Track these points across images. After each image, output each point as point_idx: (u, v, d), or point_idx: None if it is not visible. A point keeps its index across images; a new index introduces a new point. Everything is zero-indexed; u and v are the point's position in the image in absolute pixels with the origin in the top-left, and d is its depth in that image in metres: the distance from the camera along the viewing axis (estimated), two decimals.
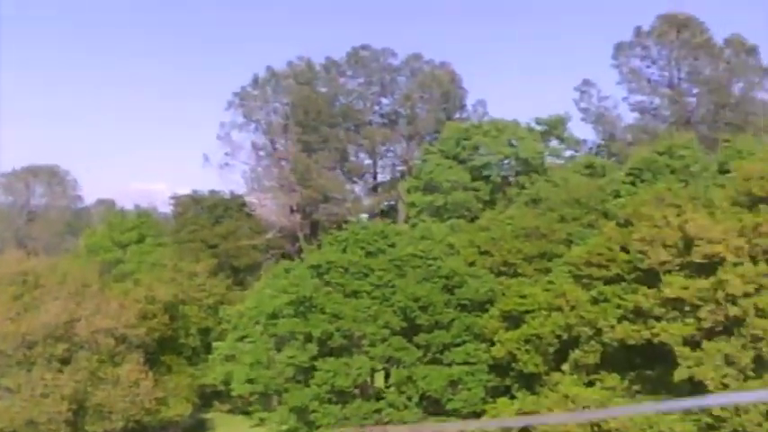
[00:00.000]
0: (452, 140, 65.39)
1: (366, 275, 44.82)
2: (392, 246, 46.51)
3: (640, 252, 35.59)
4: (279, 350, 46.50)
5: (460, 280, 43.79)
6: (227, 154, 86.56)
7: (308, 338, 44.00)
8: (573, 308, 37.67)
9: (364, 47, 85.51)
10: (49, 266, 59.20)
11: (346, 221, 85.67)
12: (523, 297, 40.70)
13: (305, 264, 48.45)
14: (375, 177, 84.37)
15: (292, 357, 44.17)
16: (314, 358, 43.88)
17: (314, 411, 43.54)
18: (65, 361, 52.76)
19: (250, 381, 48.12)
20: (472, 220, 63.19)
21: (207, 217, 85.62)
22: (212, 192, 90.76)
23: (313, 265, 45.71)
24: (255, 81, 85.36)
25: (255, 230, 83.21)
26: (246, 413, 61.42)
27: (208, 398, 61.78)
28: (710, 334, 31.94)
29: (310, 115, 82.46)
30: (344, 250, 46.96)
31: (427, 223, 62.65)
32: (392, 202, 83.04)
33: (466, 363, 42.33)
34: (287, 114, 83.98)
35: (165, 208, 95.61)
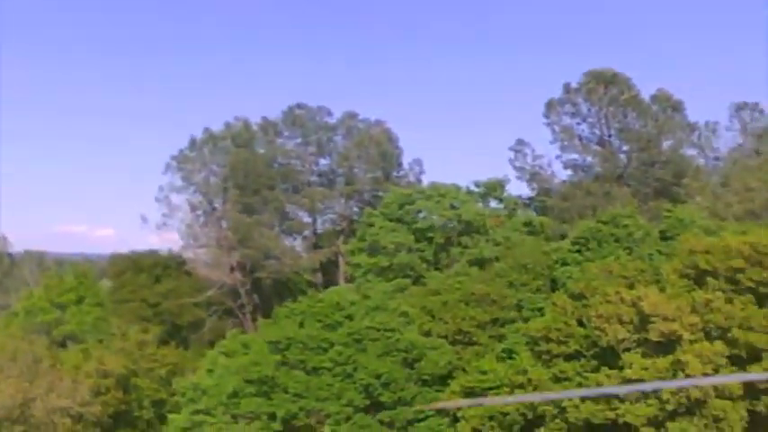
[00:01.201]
0: (395, 204, 67.00)
1: (326, 350, 45.98)
2: (349, 317, 47.74)
3: (598, 329, 37.50)
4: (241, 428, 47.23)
5: (419, 353, 45.23)
6: (164, 215, 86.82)
7: (272, 417, 44.89)
8: (536, 387, 39.35)
9: (300, 105, 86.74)
10: None
11: (288, 279, 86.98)
12: (484, 373, 42.30)
13: (261, 337, 49.23)
14: (315, 234, 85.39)
15: None
16: None
17: None
18: None
19: None
20: (417, 279, 64.85)
21: (146, 276, 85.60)
22: (151, 251, 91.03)
23: (272, 341, 46.61)
24: (193, 143, 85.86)
25: (196, 288, 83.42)
26: None
27: None
28: (674, 415, 33.92)
29: (249, 177, 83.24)
30: (302, 324, 48.05)
31: (373, 283, 64.08)
32: (332, 258, 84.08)
33: None
34: (225, 176, 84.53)
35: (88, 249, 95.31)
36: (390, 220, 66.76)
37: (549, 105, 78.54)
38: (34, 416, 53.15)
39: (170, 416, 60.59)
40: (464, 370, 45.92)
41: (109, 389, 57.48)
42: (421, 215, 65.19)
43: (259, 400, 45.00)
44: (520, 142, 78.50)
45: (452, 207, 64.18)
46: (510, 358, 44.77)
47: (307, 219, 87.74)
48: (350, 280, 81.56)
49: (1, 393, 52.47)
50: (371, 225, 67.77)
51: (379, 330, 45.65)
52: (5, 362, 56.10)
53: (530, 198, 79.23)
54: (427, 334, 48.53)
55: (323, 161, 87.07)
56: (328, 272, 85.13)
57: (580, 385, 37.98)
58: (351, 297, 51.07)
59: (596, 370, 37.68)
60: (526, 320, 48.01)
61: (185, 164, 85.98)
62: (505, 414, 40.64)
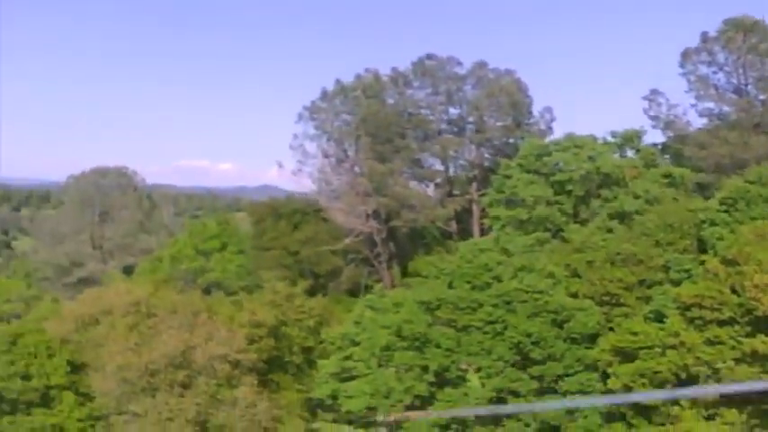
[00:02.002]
0: (532, 156, 67.62)
1: (475, 310, 47.62)
2: (497, 279, 49.13)
3: (753, 299, 37.85)
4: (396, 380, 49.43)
5: (568, 314, 46.39)
6: (299, 161, 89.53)
7: (425, 370, 46.89)
8: (689, 350, 40.12)
9: (430, 56, 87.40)
10: (159, 296, 62.70)
11: (423, 227, 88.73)
12: (634, 334, 43.25)
13: (411, 295, 51.06)
14: (448, 182, 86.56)
15: (411, 388, 47.07)
16: (432, 388, 46.91)
17: None
18: (185, 386, 56.51)
19: (370, 408, 51.04)
20: (556, 232, 65.67)
21: (285, 224, 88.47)
22: (289, 197, 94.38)
23: (423, 301, 48.45)
24: (325, 94, 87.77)
25: (333, 236, 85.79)
26: (350, 422, 65.14)
27: (311, 409, 65.17)
28: None
29: (380, 126, 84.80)
30: (451, 284, 49.76)
31: (511, 236, 65.17)
32: (466, 206, 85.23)
33: (580, 391, 45.05)
34: (357, 126, 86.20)
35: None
36: (528, 172, 67.44)
37: (685, 55, 77.30)
38: (195, 362, 56.71)
39: (319, 362, 63.80)
40: (611, 329, 46.93)
41: (261, 337, 60.64)
42: (558, 167, 65.51)
43: (411, 354, 47.04)
44: (654, 92, 77.76)
45: (590, 159, 64.38)
46: (658, 321, 45.51)
47: (439, 167, 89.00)
48: (485, 229, 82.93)
49: (165, 343, 56.21)
50: (509, 177, 68.57)
51: (527, 292, 46.94)
52: (167, 314, 59.79)
53: (663, 145, 78.53)
54: (574, 295, 49.57)
55: (453, 111, 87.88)
56: (462, 219, 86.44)
57: (733, 349, 38.64)
58: (493, 256, 52.33)
59: (751, 335, 38.11)
60: (674, 282, 48.46)
61: (318, 113, 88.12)
62: (657, 372, 41.60)
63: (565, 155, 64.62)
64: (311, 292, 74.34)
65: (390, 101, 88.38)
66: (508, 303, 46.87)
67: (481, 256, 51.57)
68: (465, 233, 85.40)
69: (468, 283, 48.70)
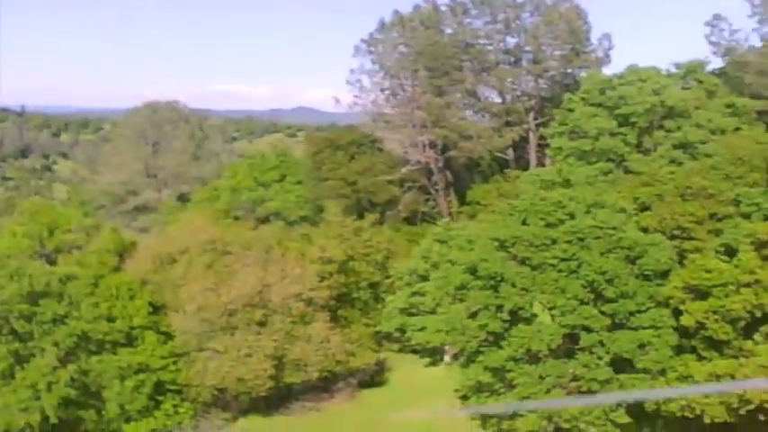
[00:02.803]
0: (596, 90, 67.87)
1: (548, 248, 48.66)
2: (570, 216, 50.00)
3: None
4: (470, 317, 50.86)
5: (641, 250, 47.27)
6: (356, 96, 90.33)
7: (500, 308, 48.24)
8: (766, 288, 41.03)
9: None
10: (233, 233, 64.47)
11: (481, 157, 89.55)
12: (708, 272, 44.15)
13: (486, 233, 52.13)
14: (506, 112, 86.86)
15: (485, 325, 48.50)
16: (506, 325, 48.28)
17: (509, 371, 48.26)
18: (262, 324, 58.90)
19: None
20: (619, 163, 66.28)
21: (342, 154, 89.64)
22: (347, 127, 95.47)
23: (497, 238, 49.51)
24: (382, 26, 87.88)
25: (389, 165, 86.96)
26: (415, 352, 67.27)
27: (378, 341, 67.22)
28: None
29: (438, 58, 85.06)
30: (524, 222, 50.72)
31: (574, 167, 65.77)
32: (523, 135, 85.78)
33: (652, 327, 46.21)
34: (414, 58, 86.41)
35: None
36: (591, 105, 67.79)
37: None
38: (271, 300, 58.79)
39: (388, 297, 65.60)
40: (681, 263, 47.86)
41: (331, 273, 62.47)
42: (623, 100, 65.72)
43: (487, 293, 48.30)
44: (717, 17, 77.22)
45: (654, 92, 64.51)
46: (729, 255, 46.37)
47: (495, 97, 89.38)
48: (540, 158, 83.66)
49: (243, 283, 58.18)
50: (572, 110, 68.97)
51: (601, 228, 47.77)
52: (241, 251, 61.61)
53: (723, 72, 78.15)
54: (644, 230, 50.42)
55: (510, 39, 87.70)
56: (518, 149, 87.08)
57: None
58: (565, 193, 53.04)
59: None
60: (744, 216, 49.16)
61: (375, 45, 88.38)
62: (730, 310, 42.61)
63: (629, 88, 64.75)
64: (380, 227, 75.81)
65: (448, 31, 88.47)
66: (582, 240, 47.75)
67: (553, 193, 52.29)
68: (521, 162, 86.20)
69: (542, 219, 49.58)
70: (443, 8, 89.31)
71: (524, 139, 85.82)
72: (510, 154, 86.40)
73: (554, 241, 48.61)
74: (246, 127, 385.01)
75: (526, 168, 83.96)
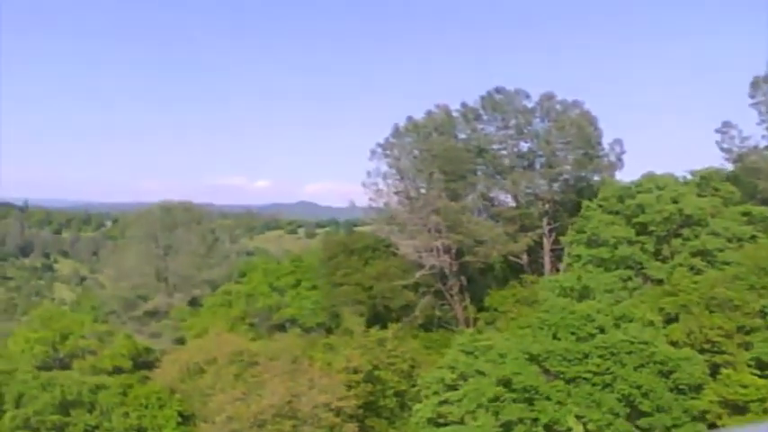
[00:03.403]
0: (614, 198, 69.21)
1: (581, 361, 49.26)
2: (601, 330, 50.73)
3: None
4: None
5: (674, 365, 47.87)
6: (371, 199, 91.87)
7: (535, 422, 48.56)
8: None
9: (498, 90, 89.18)
10: (260, 344, 65.05)
11: (496, 262, 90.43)
12: (745, 387, 44.74)
13: (517, 347, 52.65)
14: (520, 218, 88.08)
15: None
16: None
17: None
18: None
19: None
20: (638, 270, 67.14)
21: (357, 259, 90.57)
22: (361, 234, 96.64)
23: (531, 353, 50.16)
24: (397, 130, 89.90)
25: (404, 269, 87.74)
26: None
27: None
28: None
29: (452, 162, 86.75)
30: (555, 335, 51.45)
31: (593, 273, 66.64)
32: (536, 239, 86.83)
33: None
34: (429, 162, 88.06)
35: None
36: (608, 213, 69.03)
37: (755, 84, 78.60)
38: (300, 411, 58.85)
39: (415, 406, 65.56)
40: (713, 377, 48.42)
41: (358, 383, 62.67)
42: (641, 208, 66.90)
43: (522, 406, 48.69)
44: (726, 124, 79.17)
45: (672, 201, 65.79)
46: (760, 368, 46.99)
47: (510, 201, 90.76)
48: (554, 264, 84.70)
49: (272, 392, 58.40)
50: (589, 218, 70.18)
51: (632, 343, 48.45)
52: (267, 361, 62.05)
53: (735, 177, 79.61)
54: (673, 343, 51.06)
55: (523, 144, 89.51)
56: (532, 252, 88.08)
57: None
58: (593, 305, 53.83)
59: None
60: None
61: (390, 150, 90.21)
62: None
63: (647, 197, 66.01)
64: (384, 326, 76.19)
65: (462, 136, 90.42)
66: (615, 354, 48.39)
67: (581, 306, 53.08)
68: (535, 266, 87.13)
69: (573, 333, 50.30)
70: (455, 114, 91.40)
71: (538, 244, 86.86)
72: (524, 258, 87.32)
73: (586, 355, 49.21)
74: (247, 223, 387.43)
75: (540, 273, 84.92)
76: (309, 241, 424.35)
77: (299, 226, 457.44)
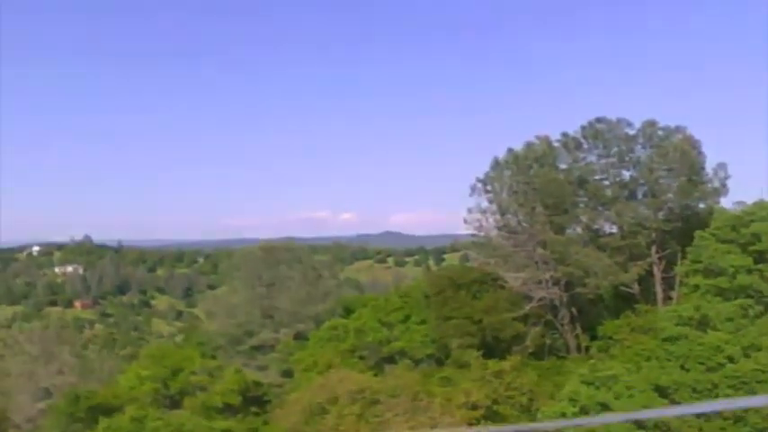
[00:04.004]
0: (726, 227, 68.84)
1: (710, 392, 49.28)
2: (730, 359, 50.67)
3: None
4: None
5: None
6: (474, 235, 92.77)
7: None
8: None
9: (599, 119, 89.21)
10: (379, 381, 66.19)
11: (607, 293, 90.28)
12: None
13: (643, 379, 52.84)
14: (627, 248, 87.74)
15: None
16: None
17: None
18: None
19: None
20: (759, 299, 66.52)
21: (465, 293, 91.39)
22: (466, 268, 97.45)
23: (659, 385, 50.32)
24: (496, 164, 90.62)
25: (512, 302, 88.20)
26: None
27: None
28: None
29: (555, 194, 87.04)
30: (683, 366, 51.55)
31: (712, 303, 66.22)
32: (647, 268, 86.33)
33: None
34: (530, 196, 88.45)
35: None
36: (723, 242, 68.64)
37: None
38: None
39: None
40: None
41: (478, 420, 63.23)
42: (755, 237, 66.43)
43: None
44: None
45: None
46: None
47: (615, 231, 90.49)
48: (666, 292, 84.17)
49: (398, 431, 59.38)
50: (703, 247, 69.89)
51: (764, 372, 48.33)
52: (388, 399, 63.12)
53: None
54: None
55: (625, 173, 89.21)
56: (643, 281, 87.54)
57: None
58: (720, 336, 53.70)
59: None
60: None
61: (491, 184, 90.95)
62: None
63: (762, 225, 65.57)
64: (495, 356, 76.61)
65: (562, 166, 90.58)
66: (745, 384, 48.33)
67: (710, 337, 53.05)
68: (647, 296, 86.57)
69: (702, 364, 50.35)
70: (555, 144, 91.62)
71: (648, 272, 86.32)
72: (635, 288, 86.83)
73: (716, 386, 49.26)
74: (336, 253, 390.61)
75: (652, 302, 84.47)
76: (399, 269, 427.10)
77: (388, 255, 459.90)
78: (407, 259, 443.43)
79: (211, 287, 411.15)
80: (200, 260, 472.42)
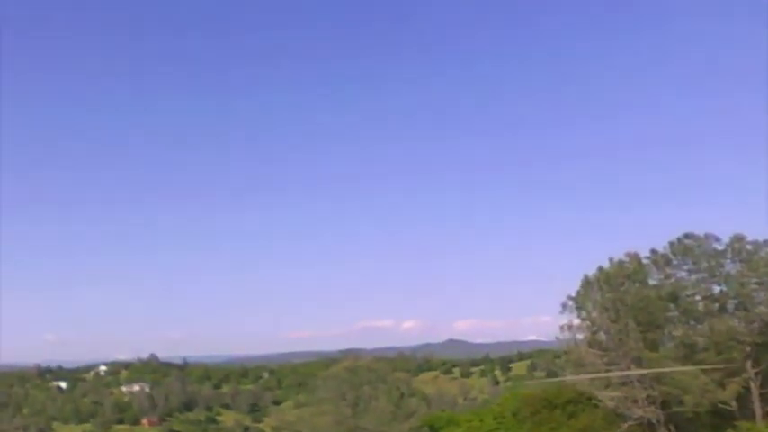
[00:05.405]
0: None
1: None
2: None
3: None
4: None
5: None
6: (566, 352, 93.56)
7: None
8: None
9: (687, 235, 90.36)
10: None
11: (705, 410, 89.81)
12: None
13: None
14: (723, 363, 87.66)
15: None
16: None
17: None
18: None
19: None
20: None
21: (560, 413, 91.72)
22: (559, 387, 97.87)
23: None
24: (587, 282, 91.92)
25: (609, 421, 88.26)
26: None
27: None
28: None
29: (647, 312, 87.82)
30: None
31: None
32: (744, 384, 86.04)
33: None
34: (622, 312, 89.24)
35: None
36: None
37: None
38: None
39: None
40: None
41: None
42: None
43: None
44: None
45: None
46: None
47: (709, 347, 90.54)
48: (764, 408, 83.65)
49: None
50: None
51: None
52: None
53: None
54: None
55: (716, 287, 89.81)
56: (740, 398, 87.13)
57: None
58: None
59: None
60: None
61: (581, 302, 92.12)
62: None
63: None
64: None
65: (652, 282, 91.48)
66: None
67: None
68: (745, 412, 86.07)
69: None
70: (645, 260, 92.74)
71: (746, 389, 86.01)
72: (734, 405, 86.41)
73: None
74: (401, 365, 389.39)
75: (751, 418, 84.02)
76: (465, 380, 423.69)
77: (454, 365, 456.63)
78: (473, 369, 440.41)
79: (276, 403, 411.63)
80: (265, 375, 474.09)
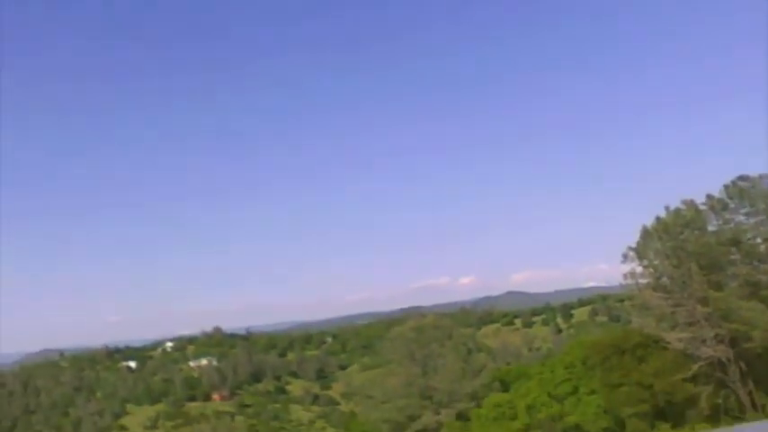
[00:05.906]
0: None
1: None
2: None
3: None
4: None
5: None
6: (630, 298, 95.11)
7: None
8: None
9: (741, 177, 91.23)
10: None
11: None
12: None
13: None
14: None
15: None
16: None
17: None
18: None
19: None
20: None
21: (630, 358, 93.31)
22: (627, 332, 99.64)
23: None
24: (646, 232, 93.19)
25: (679, 364, 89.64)
26: None
27: None
28: None
29: (709, 257, 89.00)
30: None
31: None
32: None
33: None
34: (684, 259, 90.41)
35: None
36: None
37: None
38: None
39: None
40: None
41: None
42: None
43: None
44: None
45: None
46: None
47: None
48: None
49: None
50: None
51: None
52: None
53: None
54: None
55: None
56: None
57: None
58: None
59: None
60: None
61: (642, 250, 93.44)
62: None
63: None
64: (664, 419, 77.80)
65: (711, 228, 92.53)
66: None
67: None
68: None
69: None
70: (702, 207, 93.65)
71: None
72: None
73: None
74: (463, 320, 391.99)
75: None
76: (528, 331, 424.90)
77: (515, 316, 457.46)
78: (534, 319, 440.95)
79: (342, 367, 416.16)
80: (329, 340, 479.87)
